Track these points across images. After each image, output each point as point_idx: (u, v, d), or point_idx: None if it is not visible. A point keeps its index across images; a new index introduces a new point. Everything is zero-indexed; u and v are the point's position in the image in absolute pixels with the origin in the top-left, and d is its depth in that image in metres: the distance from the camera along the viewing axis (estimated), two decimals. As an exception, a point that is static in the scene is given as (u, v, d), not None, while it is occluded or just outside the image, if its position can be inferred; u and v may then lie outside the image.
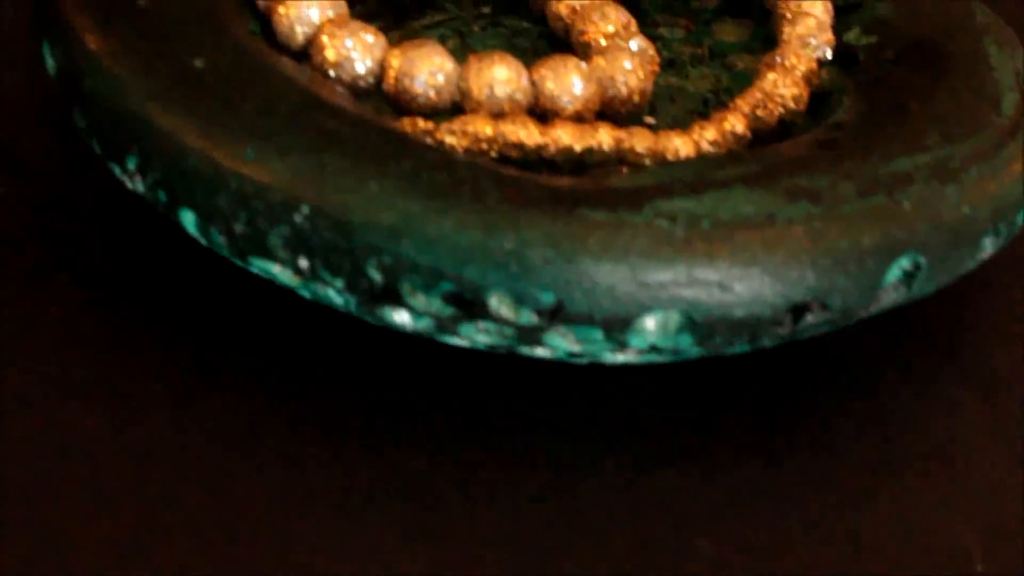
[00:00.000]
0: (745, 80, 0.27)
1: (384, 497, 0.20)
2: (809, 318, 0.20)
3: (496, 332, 0.20)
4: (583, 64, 0.24)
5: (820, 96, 0.25)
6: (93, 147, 0.22)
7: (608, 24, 0.25)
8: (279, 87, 0.21)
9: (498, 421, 0.22)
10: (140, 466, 0.20)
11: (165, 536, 0.19)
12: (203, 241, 0.21)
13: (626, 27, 0.26)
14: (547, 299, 0.19)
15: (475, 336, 0.20)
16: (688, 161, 0.21)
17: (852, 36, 0.26)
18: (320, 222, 0.19)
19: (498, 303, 0.19)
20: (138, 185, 0.21)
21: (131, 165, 0.21)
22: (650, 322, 0.19)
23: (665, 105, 0.26)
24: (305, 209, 0.19)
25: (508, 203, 0.19)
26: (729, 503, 0.20)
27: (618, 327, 0.19)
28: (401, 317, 0.20)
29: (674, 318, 0.19)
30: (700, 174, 0.20)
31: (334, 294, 0.20)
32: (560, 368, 0.22)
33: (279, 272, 0.21)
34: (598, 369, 0.22)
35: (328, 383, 0.22)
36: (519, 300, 0.19)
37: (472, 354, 0.22)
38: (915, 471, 0.21)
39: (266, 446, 0.21)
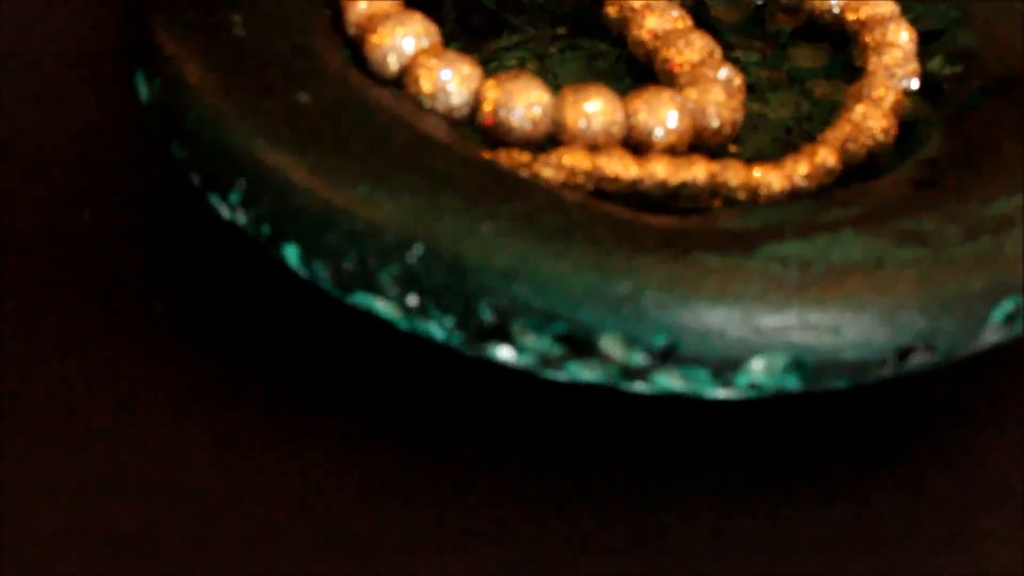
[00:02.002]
0: (826, 107, 0.27)
1: (473, 538, 0.21)
2: (913, 359, 0.20)
3: (601, 370, 0.20)
4: (677, 96, 0.24)
5: (905, 126, 0.25)
6: (191, 178, 0.22)
7: (693, 52, 0.26)
8: (385, 123, 0.21)
9: (585, 460, 0.22)
10: (246, 500, 0.21)
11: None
12: (304, 274, 0.21)
13: (711, 55, 0.26)
14: (659, 341, 0.19)
15: (579, 373, 0.20)
16: (795, 201, 0.21)
17: (935, 65, 0.26)
18: (433, 262, 0.19)
19: (610, 344, 0.19)
20: (239, 218, 0.21)
21: (234, 199, 0.21)
22: (758, 364, 0.19)
23: (748, 133, 0.26)
24: (418, 249, 0.19)
25: (622, 246, 0.19)
26: (820, 544, 0.20)
27: (727, 368, 0.19)
28: (505, 354, 0.20)
29: (781, 360, 0.20)
30: (809, 216, 0.20)
31: (438, 330, 0.20)
32: (646, 404, 0.22)
33: (382, 307, 0.21)
34: (685, 406, 0.22)
35: (410, 413, 0.23)
36: (631, 342, 0.19)
37: (563, 389, 0.22)
38: (1001, 514, 0.21)
39: (343, 476, 0.21)
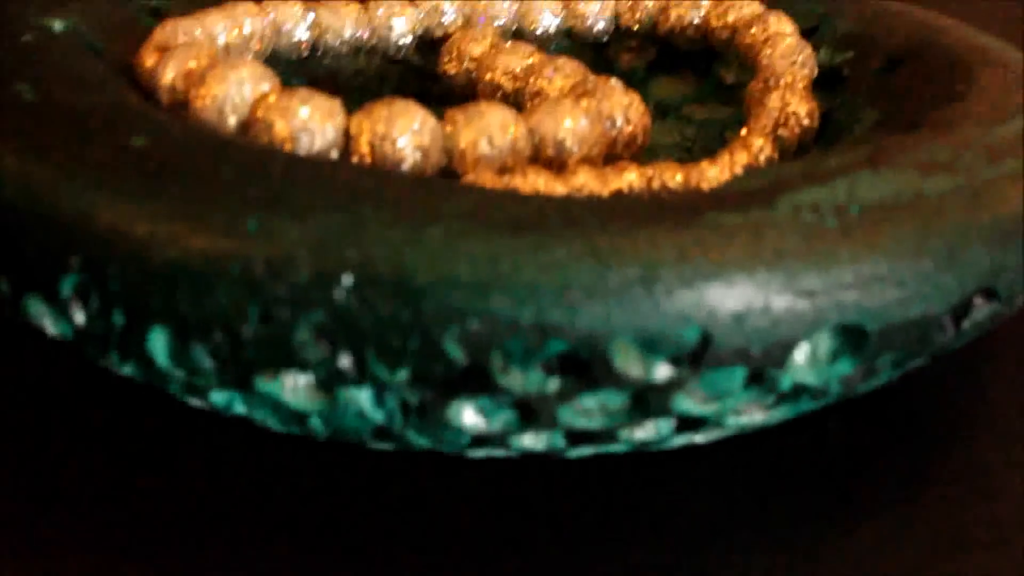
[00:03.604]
0: (713, 127, 0.23)
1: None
2: (977, 311, 0.16)
3: (601, 409, 0.15)
4: (581, 102, 0.20)
5: (825, 117, 0.22)
6: (-3, 286, 0.16)
7: (567, 77, 0.22)
8: (254, 152, 0.16)
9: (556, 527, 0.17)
10: None
11: None
12: (176, 374, 0.16)
13: (586, 76, 0.22)
14: (690, 337, 0.14)
15: (573, 421, 0.16)
16: (775, 166, 0.17)
17: (825, 56, 0.23)
18: (371, 293, 0.14)
19: (624, 357, 0.14)
20: (76, 316, 0.16)
21: (67, 289, 0.15)
22: (806, 348, 0.15)
23: (647, 160, 0.22)
24: (346, 280, 0.14)
25: (615, 222, 0.15)
26: (816, 544, 0.16)
27: (773, 361, 0.15)
28: (471, 418, 0.15)
29: (826, 340, 0.15)
30: (808, 170, 0.16)
31: (374, 407, 0.15)
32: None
33: (292, 394, 0.15)
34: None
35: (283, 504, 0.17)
36: (651, 346, 0.14)
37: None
38: (999, 515, 0.17)
39: None
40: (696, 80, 0.25)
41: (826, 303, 0.15)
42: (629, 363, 0.14)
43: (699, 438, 0.17)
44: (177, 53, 0.19)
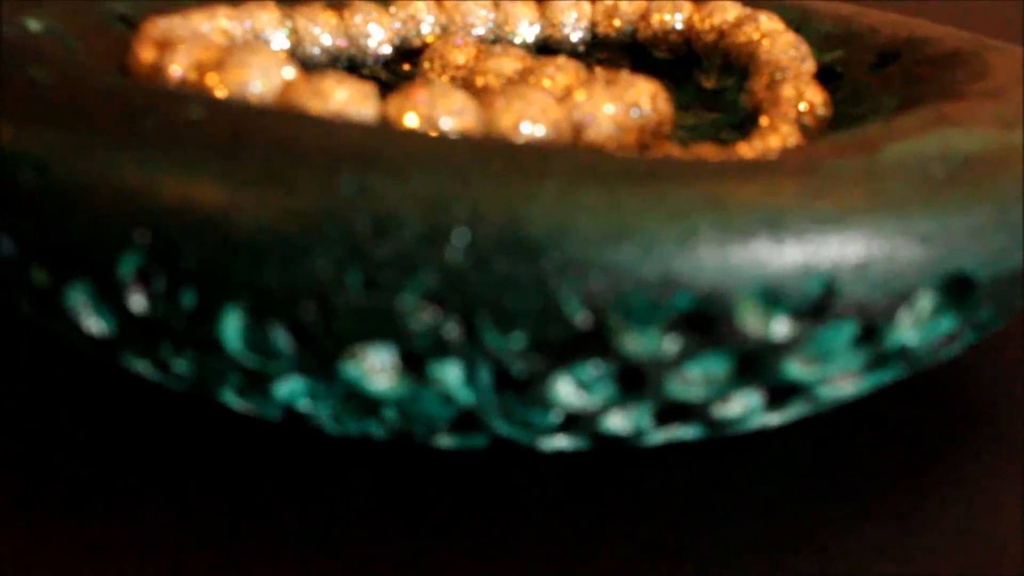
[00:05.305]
0: (705, 130, 0.23)
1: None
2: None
3: (704, 378, 0.15)
4: (610, 89, 0.19)
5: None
6: (32, 278, 0.15)
7: (569, 74, 0.21)
8: (331, 121, 0.15)
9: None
10: None
11: None
12: (243, 361, 0.15)
13: (587, 72, 0.21)
14: (814, 287, 0.14)
15: (675, 392, 0.15)
16: (845, 131, 0.17)
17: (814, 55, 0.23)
18: (485, 249, 0.13)
19: (747, 311, 0.14)
20: (134, 301, 0.14)
21: (126, 269, 0.14)
22: (908, 308, 0.15)
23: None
24: (458, 237, 0.13)
25: (733, 171, 0.14)
26: (817, 544, 0.15)
27: (889, 311, 0.14)
28: (569, 393, 0.14)
29: (930, 296, 0.15)
30: (885, 129, 0.16)
31: (462, 383, 0.14)
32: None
33: (374, 377, 0.14)
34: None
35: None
36: (774, 298, 0.14)
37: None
38: (1000, 515, 0.17)
39: None
40: (674, 88, 0.24)
41: (943, 250, 0.14)
42: (751, 318, 0.14)
43: (775, 419, 0.17)
44: (184, 44, 0.18)
